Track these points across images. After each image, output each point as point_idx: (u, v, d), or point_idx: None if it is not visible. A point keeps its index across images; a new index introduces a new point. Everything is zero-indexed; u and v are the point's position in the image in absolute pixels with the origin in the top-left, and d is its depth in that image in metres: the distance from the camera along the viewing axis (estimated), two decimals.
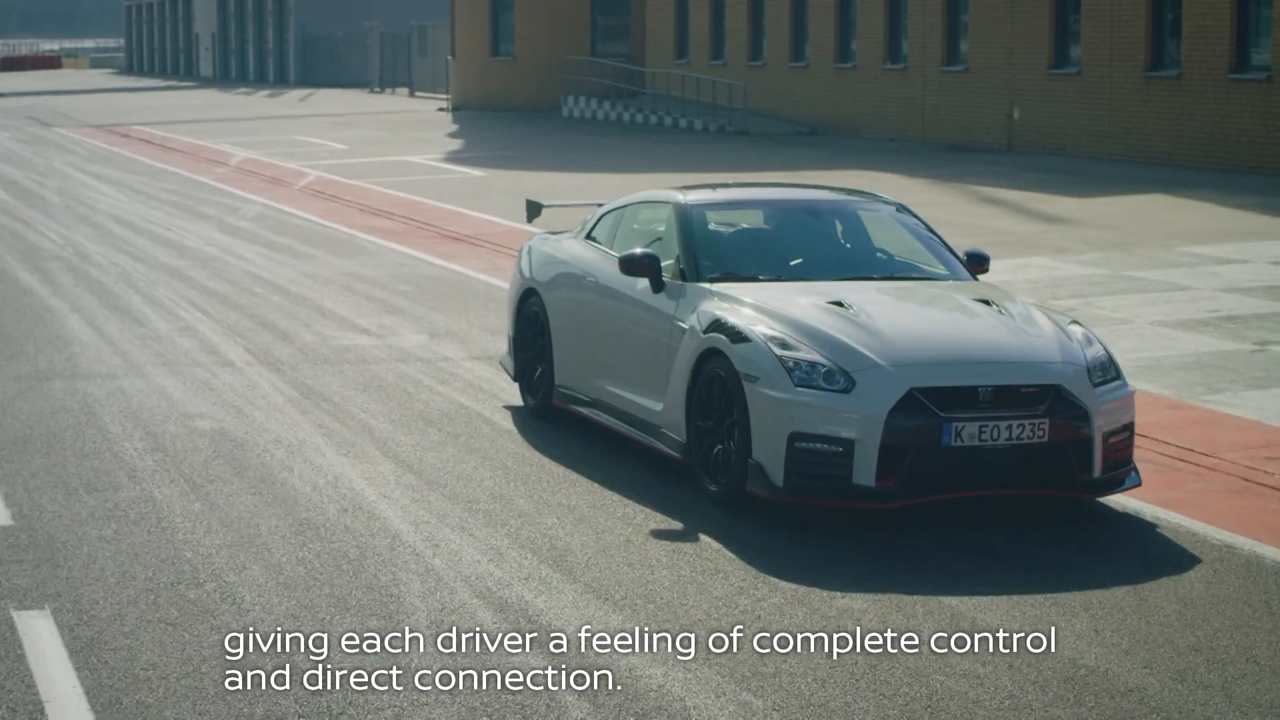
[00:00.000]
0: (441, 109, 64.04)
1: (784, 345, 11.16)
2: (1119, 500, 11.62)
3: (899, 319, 11.55)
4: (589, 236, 14.00)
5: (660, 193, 13.66)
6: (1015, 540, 10.85)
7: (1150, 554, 10.68)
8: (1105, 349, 11.70)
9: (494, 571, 10.05)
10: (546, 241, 14.56)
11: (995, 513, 11.26)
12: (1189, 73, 35.94)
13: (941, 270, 12.89)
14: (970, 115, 42.83)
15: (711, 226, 12.95)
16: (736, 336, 11.38)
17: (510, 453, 12.92)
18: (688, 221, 12.85)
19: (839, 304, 11.65)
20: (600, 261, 13.46)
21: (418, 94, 74.87)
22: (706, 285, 12.24)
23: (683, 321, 12.07)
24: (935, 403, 10.89)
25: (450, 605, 9.44)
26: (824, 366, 11.02)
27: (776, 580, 9.96)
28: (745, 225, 13.19)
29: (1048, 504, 11.37)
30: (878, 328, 11.31)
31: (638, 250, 12.68)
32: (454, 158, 42.33)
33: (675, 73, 54.86)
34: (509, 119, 57.85)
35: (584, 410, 13.39)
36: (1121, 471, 11.42)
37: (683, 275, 12.46)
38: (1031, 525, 11.14)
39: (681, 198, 13.18)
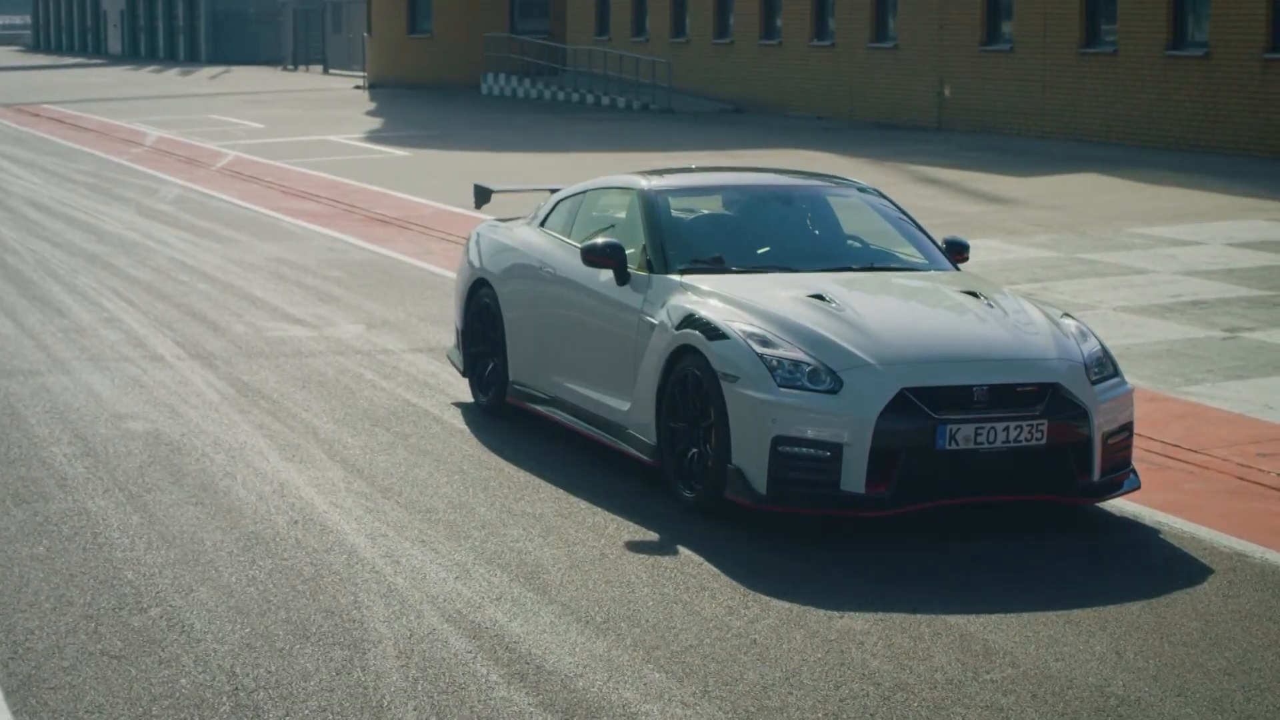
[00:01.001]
0: (358, 87, 63.02)
1: (764, 342, 10.43)
2: (1116, 503, 10.97)
3: (886, 314, 10.83)
4: (543, 224, 13.24)
5: (621, 178, 12.90)
6: (1014, 549, 10.16)
7: (1158, 563, 10.02)
8: (1101, 343, 11.04)
9: (462, 591, 9.28)
10: (497, 229, 13.79)
11: (988, 519, 10.59)
12: (1125, 49, 35.44)
13: (920, 259, 12.20)
14: (899, 93, 42.23)
15: (678, 214, 12.21)
16: (713, 333, 10.63)
17: (465, 455, 12.15)
18: (653, 209, 12.10)
19: (820, 297, 10.94)
20: (558, 251, 12.70)
21: (332, 72, 73.78)
22: (675, 277, 11.50)
23: (651, 316, 11.32)
24: (928, 403, 10.18)
25: (419, 631, 8.66)
26: (809, 365, 10.29)
27: (768, 599, 9.23)
28: (714, 212, 12.45)
29: (1041, 509, 10.70)
30: (864, 323, 10.59)
31: (600, 240, 11.92)
32: (375, 137, 41.42)
33: (597, 49, 54.08)
34: (428, 97, 56.91)
35: (541, 409, 12.64)
36: (1120, 474, 10.76)
37: (649, 266, 11.72)
38: (1028, 532, 10.46)
39: (644, 183, 12.43)
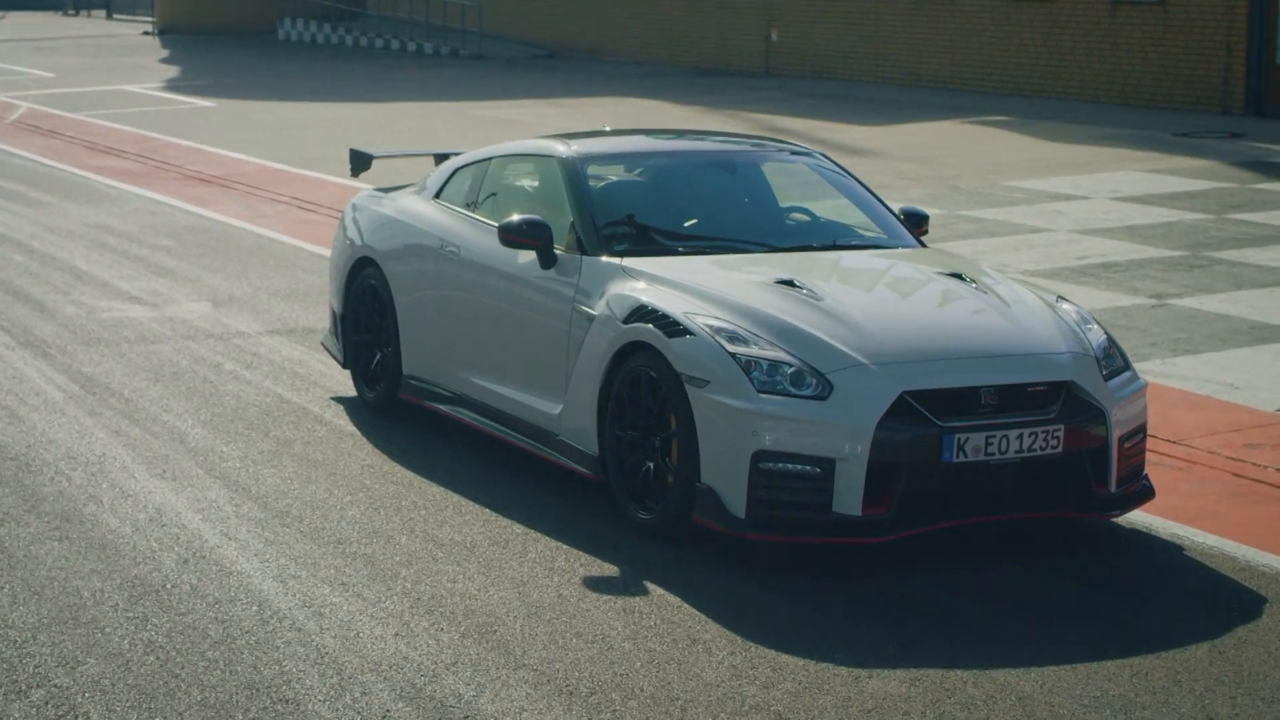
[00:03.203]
0: (147, 33, 60.33)
1: (735, 339, 8.90)
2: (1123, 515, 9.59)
3: (870, 303, 9.34)
4: (438, 196, 11.61)
5: (535, 143, 11.27)
6: (1035, 580, 8.72)
7: (1201, 590, 8.64)
8: (1106, 332, 9.66)
9: (408, 654, 7.67)
10: (380, 201, 12.12)
11: (986, 539, 9.17)
12: None
13: (880, 234, 10.75)
14: (724, 37, 40.79)
15: (608, 185, 10.63)
16: (671, 328, 9.08)
17: (364, 466, 10.51)
18: (579, 179, 10.51)
19: (790, 283, 9.43)
20: (462, 227, 11.09)
21: (116, 17, 70.82)
22: (613, 260, 9.94)
23: (588, 306, 9.74)
24: (931, 409, 8.72)
25: (369, 714, 7.05)
26: (790, 366, 8.78)
27: (775, 653, 7.73)
28: (648, 182, 10.85)
29: (1036, 526, 9.29)
30: (848, 315, 9.09)
31: (516, 217, 10.31)
32: (175, 86, 39.18)
33: None
34: (223, 44, 54.46)
35: (444, 408, 11.04)
36: (1134, 484, 9.38)
37: (580, 246, 10.14)
38: (1038, 554, 9.04)
39: (564, 150, 10.83)
